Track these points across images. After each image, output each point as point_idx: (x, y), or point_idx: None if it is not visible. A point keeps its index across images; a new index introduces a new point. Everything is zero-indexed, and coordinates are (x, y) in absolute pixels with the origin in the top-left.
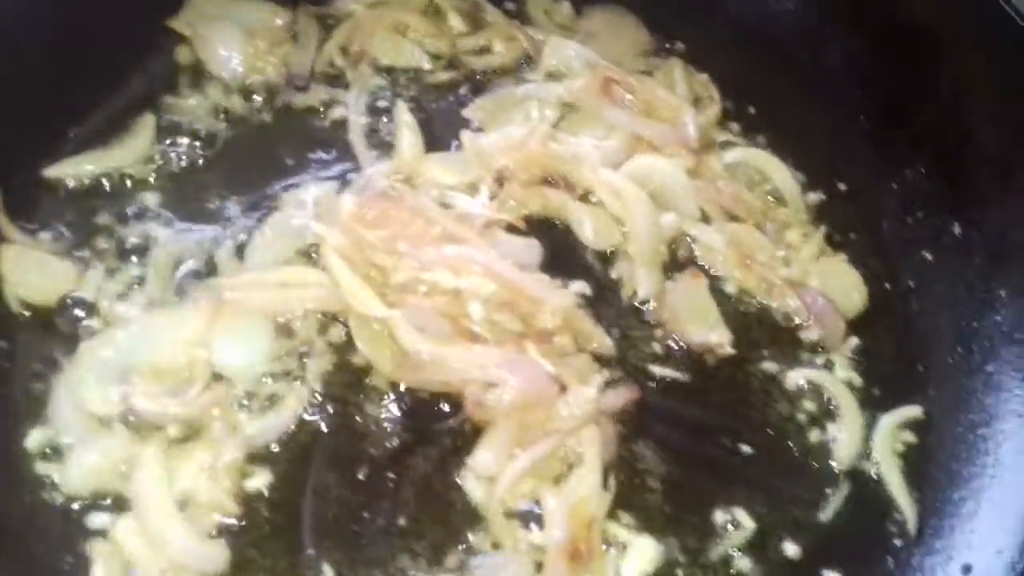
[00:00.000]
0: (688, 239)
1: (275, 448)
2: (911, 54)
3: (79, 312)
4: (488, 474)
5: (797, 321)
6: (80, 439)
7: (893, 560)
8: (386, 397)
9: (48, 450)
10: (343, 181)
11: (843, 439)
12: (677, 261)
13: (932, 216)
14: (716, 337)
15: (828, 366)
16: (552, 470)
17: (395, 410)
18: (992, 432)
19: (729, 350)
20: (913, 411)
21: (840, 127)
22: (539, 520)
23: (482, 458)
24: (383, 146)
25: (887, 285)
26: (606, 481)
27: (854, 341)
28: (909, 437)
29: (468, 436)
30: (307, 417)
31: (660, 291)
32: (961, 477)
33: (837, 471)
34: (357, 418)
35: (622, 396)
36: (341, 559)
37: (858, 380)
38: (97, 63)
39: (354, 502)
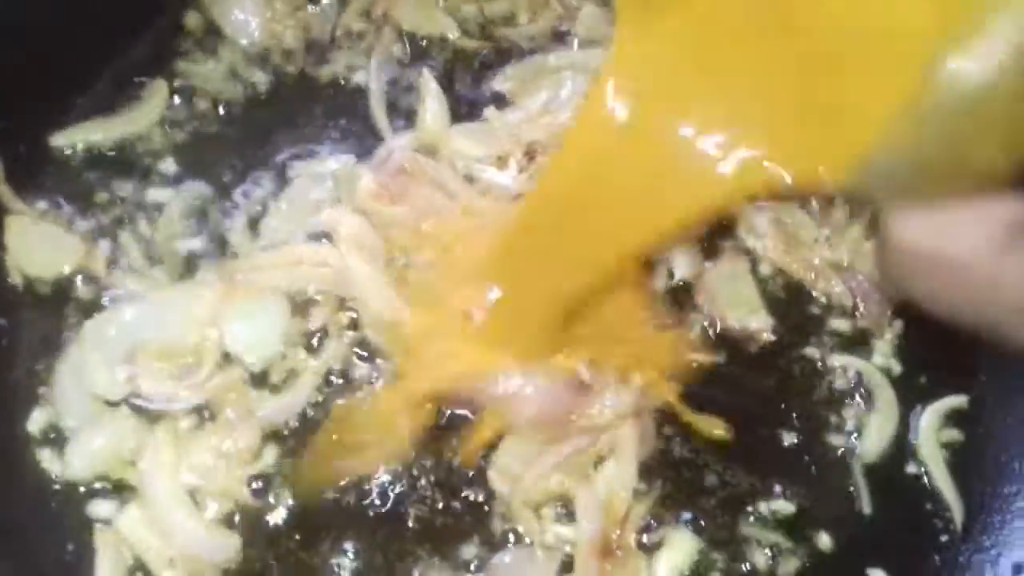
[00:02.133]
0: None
1: (287, 430)
2: None
3: (85, 288)
4: (512, 472)
5: (841, 305)
6: (84, 422)
7: (939, 557)
8: None
9: (51, 433)
10: (362, 153)
11: (876, 428)
12: (714, 243)
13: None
14: (756, 323)
15: (867, 353)
16: (583, 465)
17: None
18: None
19: (769, 336)
20: (959, 400)
21: None
22: (569, 515)
23: (505, 457)
24: (405, 117)
25: None
26: (647, 479)
27: (899, 326)
28: (956, 428)
29: None
30: (321, 398)
31: (698, 272)
32: (1012, 470)
33: (875, 462)
34: None
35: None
36: (358, 548)
37: (897, 368)
38: (104, 26)
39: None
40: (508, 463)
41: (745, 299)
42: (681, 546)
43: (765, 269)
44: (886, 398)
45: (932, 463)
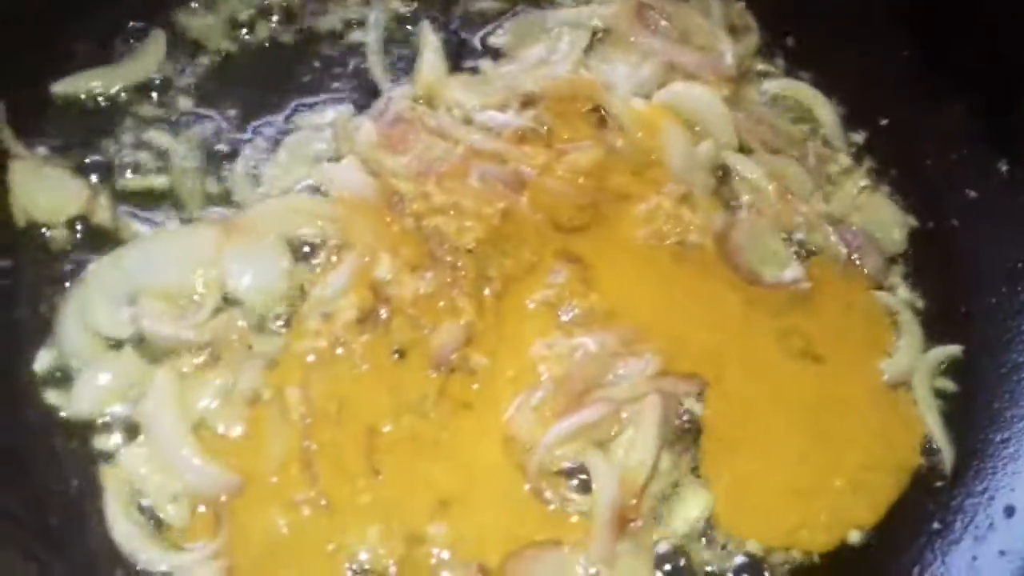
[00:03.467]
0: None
1: None
2: None
3: (88, 231)
4: (526, 438)
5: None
6: (89, 361)
7: (932, 502)
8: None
9: (56, 372)
10: (361, 104)
11: (901, 352)
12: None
13: (977, 153)
14: (791, 273)
15: (891, 288)
16: (600, 435)
17: None
18: None
19: (806, 284)
20: (953, 350)
21: (882, 61)
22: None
23: (518, 420)
24: (403, 69)
25: (930, 223)
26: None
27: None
28: (951, 377)
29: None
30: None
31: (727, 225)
32: (1003, 418)
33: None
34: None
35: (683, 384)
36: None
37: (919, 301)
38: None
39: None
40: (523, 431)
41: (774, 252)
42: (695, 501)
43: None
44: (909, 326)
45: (926, 410)
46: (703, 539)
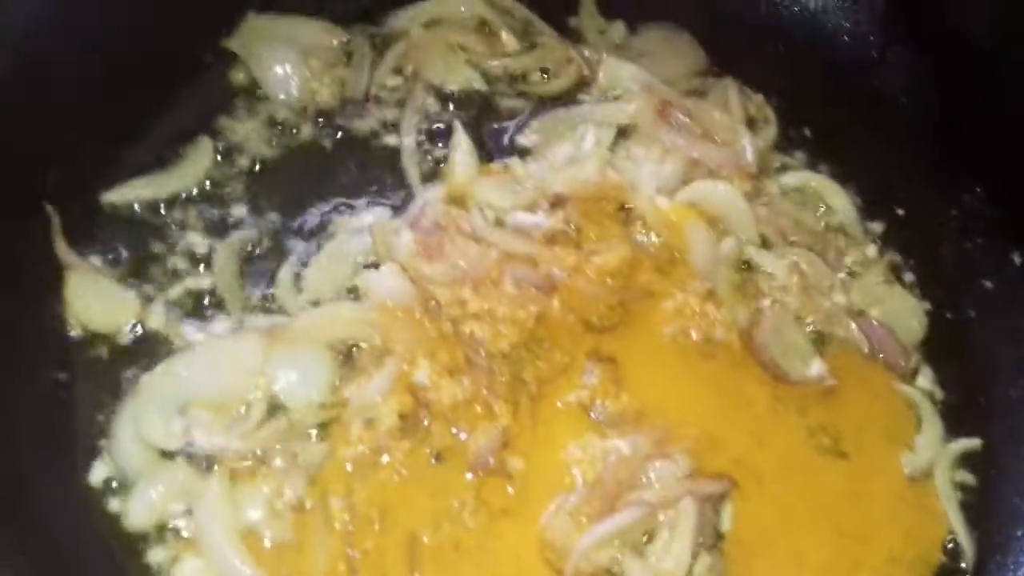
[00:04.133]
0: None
1: None
2: (971, 76)
3: (141, 341)
4: (562, 543)
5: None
6: (143, 473)
7: None
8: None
9: (112, 484)
10: (397, 205)
11: (922, 446)
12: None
13: (993, 242)
14: (816, 370)
15: (911, 380)
16: (634, 539)
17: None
18: None
19: (831, 382)
20: (972, 443)
21: (898, 151)
22: None
23: (554, 525)
24: (437, 170)
25: (948, 314)
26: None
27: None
28: (970, 470)
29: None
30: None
31: (751, 321)
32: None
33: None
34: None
35: (713, 486)
36: None
37: (939, 393)
38: (150, 84)
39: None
40: (558, 536)
41: (796, 349)
42: None
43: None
44: (929, 418)
45: (947, 503)
46: None
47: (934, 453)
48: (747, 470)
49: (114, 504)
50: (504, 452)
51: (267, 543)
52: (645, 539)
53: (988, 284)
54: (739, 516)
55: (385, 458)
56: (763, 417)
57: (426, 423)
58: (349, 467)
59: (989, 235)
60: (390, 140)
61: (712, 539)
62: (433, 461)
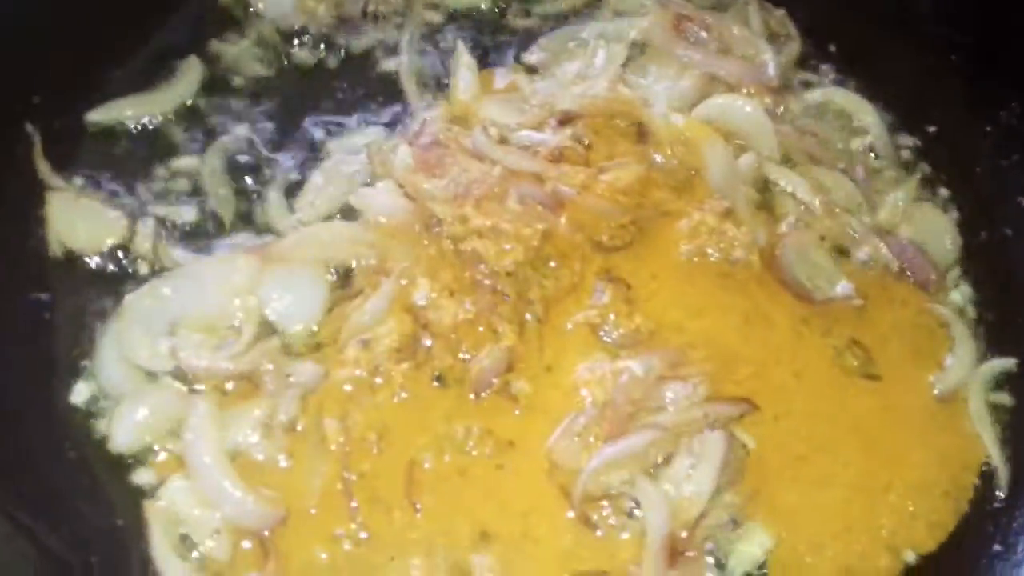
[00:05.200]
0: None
1: None
2: None
3: (126, 262)
4: (569, 465)
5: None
6: (127, 394)
7: (991, 523)
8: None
9: (94, 405)
10: (394, 125)
11: (952, 366)
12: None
13: None
14: (842, 289)
15: (944, 300)
16: (649, 460)
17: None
18: None
19: (859, 302)
20: (1007, 363)
21: (929, 66)
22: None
23: (561, 446)
24: (437, 89)
25: (983, 233)
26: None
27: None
28: (1007, 391)
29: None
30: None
31: (769, 241)
32: None
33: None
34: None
35: (733, 408)
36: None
37: (973, 313)
38: (138, 4)
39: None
40: (566, 458)
41: (821, 269)
42: (758, 539)
43: None
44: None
45: (981, 426)
46: None
47: (966, 373)
48: (770, 392)
49: (98, 427)
50: (509, 374)
51: (259, 464)
52: (661, 462)
53: None
54: (763, 439)
55: (383, 380)
56: (786, 338)
57: (427, 344)
58: (347, 388)
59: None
60: (389, 61)
61: (736, 477)
62: (435, 383)
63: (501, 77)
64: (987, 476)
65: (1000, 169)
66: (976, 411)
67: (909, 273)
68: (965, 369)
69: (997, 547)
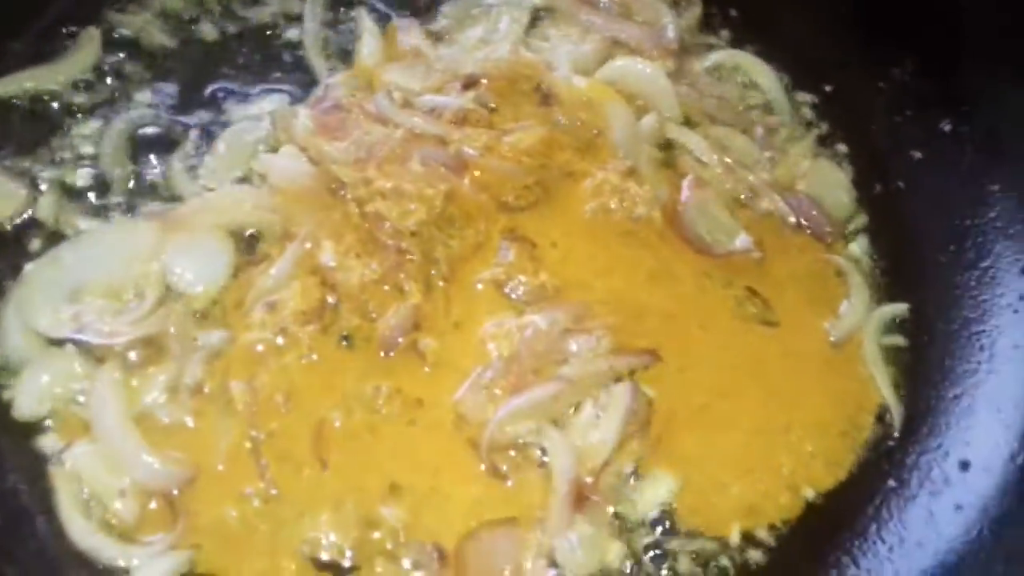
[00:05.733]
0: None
1: None
2: None
3: (28, 233)
4: (476, 417)
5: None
6: (30, 361)
7: (886, 461)
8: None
9: None
10: (298, 95)
11: (847, 312)
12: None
13: (922, 114)
14: (741, 243)
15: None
16: (555, 412)
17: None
18: (987, 328)
19: (757, 253)
20: (899, 308)
21: (825, 28)
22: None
23: (468, 399)
24: (340, 57)
25: (878, 186)
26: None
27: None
28: (900, 334)
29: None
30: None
31: (671, 198)
32: (955, 374)
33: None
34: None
35: (636, 360)
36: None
37: (869, 263)
38: None
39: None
40: (473, 410)
41: (721, 224)
42: (663, 482)
43: None
44: (857, 286)
45: (874, 369)
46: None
47: (859, 319)
48: (674, 343)
49: (2, 394)
50: (416, 332)
51: (165, 427)
52: (572, 413)
53: (917, 154)
54: (667, 389)
55: (289, 342)
56: (689, 290)
57: (333, 304)
58: (256, 349)
59: (918, 107)
60: (292, 31)
61: (642, 427)
62: (343, 343)
63: (403, 32)
64: (881, 416)
65: (894, 125)
66: (871, 354)
67: (806, 225)
68: (859, 316)
69: (892, 483)
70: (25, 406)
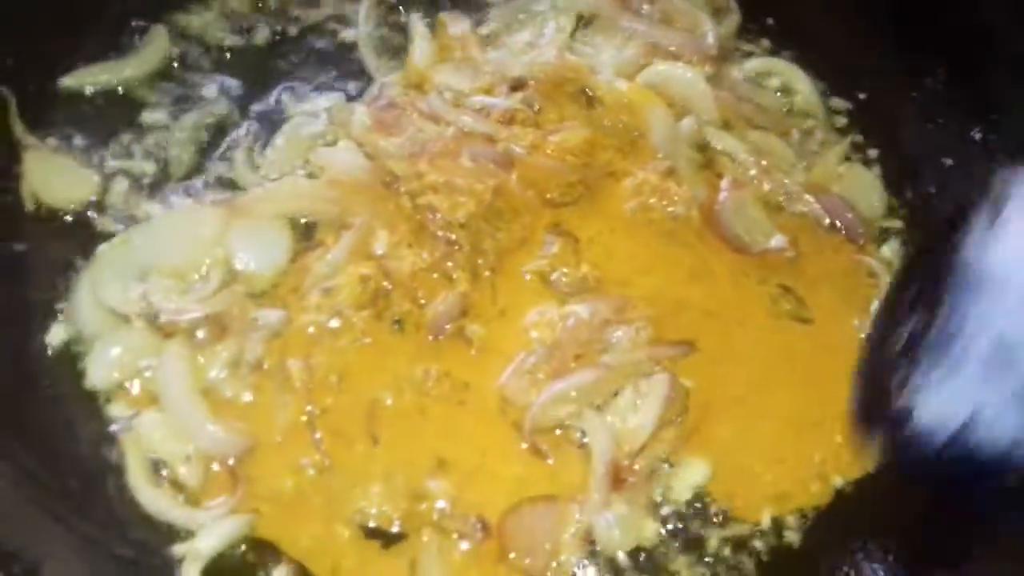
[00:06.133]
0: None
1: None
2: None
3: (101, 218)
4: (520, 400)
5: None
6: (101, 335)
7: None
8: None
9: (70, 346)
10: (353, 93)
11: None
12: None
13: (952, 122)
14: (776, 242)
15: (872, 252)
16: (596, 397)
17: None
18: None
19: (791, 252)
20: None
21: (859, 38)
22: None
23: (512, 383)
24: (394, 58)
25: (909, 191)
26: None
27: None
28: None
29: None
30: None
31: (708, 198)
32: None
33: None
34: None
35: (674, 350)
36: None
37: (898, 263)
38: None
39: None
40: (517, 394)
41: (757, 224)
42: (695, 468)
43: None
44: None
45: None
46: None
47: None
48: (711, 337)
49: (75, 366)
50: (464, 319)
51: (227, 400)
52: (611, 399)
53: (948, 161)
54: (703, 381)
55: (344, 325)
56: (725, 287)
57: (386, 290)
58: (311, 331)
59: (949, 114)
60: (345, 32)
61: (678, 415)
62: (395, 327)
63: (452, 24)
64: None
65: (925, 132)
66: None
67: (840, 226)
68: None
69: None
70: (97, 376)
